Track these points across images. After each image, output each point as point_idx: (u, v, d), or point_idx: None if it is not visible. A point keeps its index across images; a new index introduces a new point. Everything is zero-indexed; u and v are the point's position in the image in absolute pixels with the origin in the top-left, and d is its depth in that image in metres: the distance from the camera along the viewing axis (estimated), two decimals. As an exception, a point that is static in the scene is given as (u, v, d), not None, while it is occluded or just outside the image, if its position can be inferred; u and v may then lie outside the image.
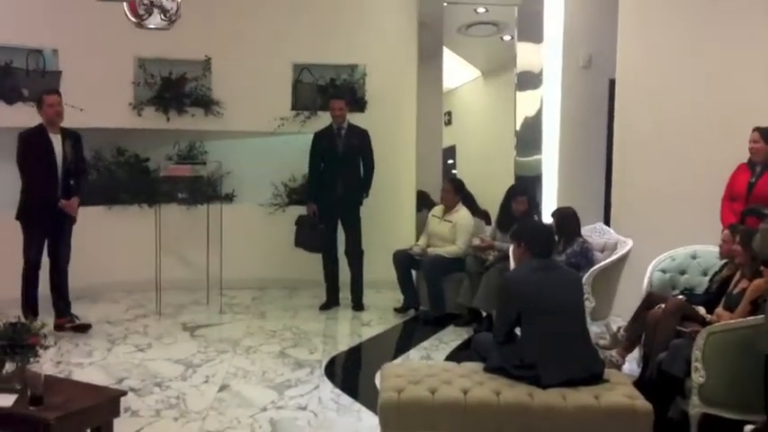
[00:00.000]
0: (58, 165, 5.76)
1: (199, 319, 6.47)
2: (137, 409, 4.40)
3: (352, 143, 6.83)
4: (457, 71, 8.65)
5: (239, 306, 6.95)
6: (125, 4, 5.09)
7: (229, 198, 7.61)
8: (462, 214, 6.77)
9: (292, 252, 6.93)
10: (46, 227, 5.81)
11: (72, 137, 5.87)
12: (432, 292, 6.59)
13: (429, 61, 7.70)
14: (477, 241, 6.52)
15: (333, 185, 6.78)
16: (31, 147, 5.73)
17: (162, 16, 5.44)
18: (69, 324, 5.95)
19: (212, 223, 6.88)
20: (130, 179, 7.43)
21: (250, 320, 6.49)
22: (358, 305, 6.89)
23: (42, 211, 5.74)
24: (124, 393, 3.77)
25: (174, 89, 7.47)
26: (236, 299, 7.12)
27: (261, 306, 7.00)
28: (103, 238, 7.06)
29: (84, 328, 5.96)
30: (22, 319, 3.67)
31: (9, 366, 3.51)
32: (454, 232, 6.70)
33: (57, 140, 5.77)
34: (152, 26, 5.41)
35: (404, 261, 6.79)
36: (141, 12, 5.30)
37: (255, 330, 6.18)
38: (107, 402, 3.56)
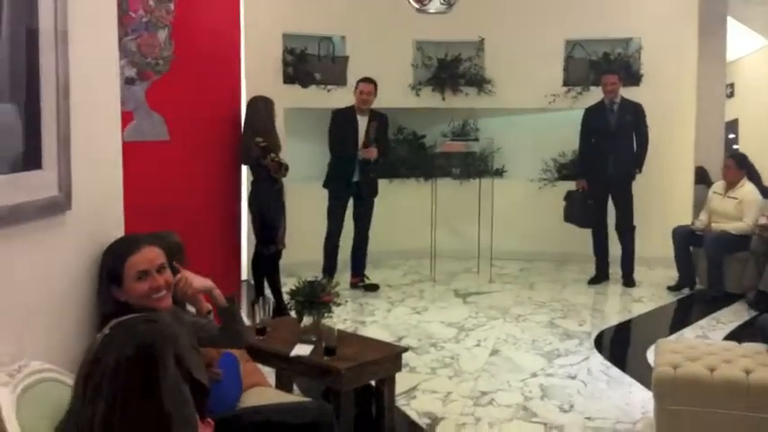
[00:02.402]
0: (359, 143, 6.35)
1: (470, 287, 6.76)
2: (414, 365, 4.71)
3: (625, 118, 6.70)
4: (741, 40, 8.11)
5: (508, 276, 7.16)
6: (408, -9, 5.43)
7: (500, 173, 7.81)
8: (749, 189, 6.42)
9: (561, 226, 6.99)
10: (345, 197, 6.47)
11: (378, 119, 6.44)
12: (712, 270, 6.32)
13: (711, 31, 7.33)
14: (763, 220, 6.11)
15: (604, 161, 6.70)
16: (338, 124, 6.41)
17: (441, 1, 5.72)
18: (361, 283, 6.59)
19: (483, 197, 7.13)
20: (409, 155, 7.91)
21: (519, 290, 6.66)
22: (628, 281, 6.78)
23: (342, 181, 6.40)
24: (405, 350, 4.03)
25: (450, 70, 7.80)
26: (505, 269, 7.32)
27: (529, 277, 7.14)
28: (385, 208, 7.50)
29: (373, 288, 6.57)
30: (320, 279, 4.04)
31: (306, 320, 3.86)
32: (740, 209, 6.37)
33: (363, 120, 6.38)
34: (432, 11, 5.72)
35: (684, 237, 6.58)
36: (423, -3, 5.62)
37: (524, 300, 6.34)
38: (391, 357, 3.81)
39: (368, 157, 6.34)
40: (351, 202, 6.57)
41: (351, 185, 6.43)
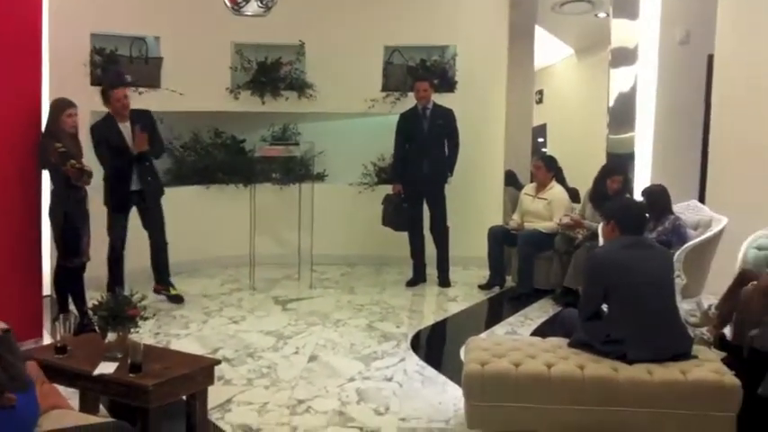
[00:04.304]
0: (130, 150, 5.90)
1: (290, 294, 6.67)
2: (230, 377, 4.58)
3: (436, 123, 6.85)
4: (550, 49, 8.53)
5: (329, 281, 7.13)
6: (224, -8, 5.29)
7: (321, 177, 7.81)
8: (557, 190, 6.78)
9: (381, 230, 7.03)
10: (128, 209, 6.04)
11: (140, 119, 5.98)
12: (523, 268, 6.60)
13: (520, 40, 7.67)
14: (566, 219, 6.48)
15: (418, 165, 6.83)
16: (101, 139, 5.86)
17: (259, 3, 5.59)
18: (165, 292, 6.28)
19: (304, 202, 7.06)
20: (227, 160, 7.70)
21: (339, 295, 6.65)
22: (444, 281, 6.95)
23: (123, 194, 5.96)
24: (218, 362, 3.89)
25: (270, 73, 7.67)
26: (326, 274, 7.30)
27: (350, 281, 7.16)
28: (201, 216, 7.37)
29: (178, 299, 6.28)
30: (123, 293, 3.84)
31: (111, 336, 3.66)
32: (550, 209, 6.70)
33: (125, 127, 5.92)
34: (249, 13, 5.58)
35: (498, 236, 6.82)
36: (239, -1, 5.47)
37: (344, 304, 6.33)
38: (202, 370, 3.67)
39: (142, 148, 5.91)
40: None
41: (131, 196, 6.01)
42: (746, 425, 3.54)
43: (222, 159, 7.70)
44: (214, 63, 7.54)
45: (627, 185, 6.46)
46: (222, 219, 7.44)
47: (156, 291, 6.25)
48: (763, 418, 3.90)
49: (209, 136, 7.80)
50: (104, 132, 5.89)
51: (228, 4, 5.73)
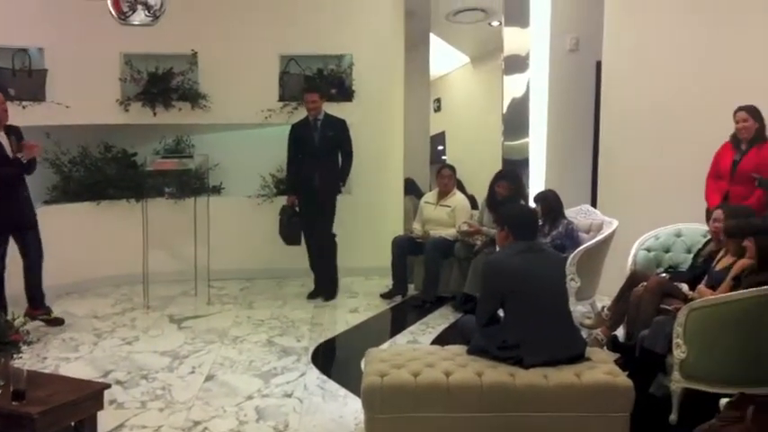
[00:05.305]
0: (18, 158, 5.53)
1: (186, 311, 6.45)
2: (122, 401, 4.40)
3: (327, 134, 6.77)
4: (446, 58, 8.60)
5: (227, 297, 6.94)
6: (109, 1, 5.08)
7: (217, 190, 7.61)
8: (459, 198, 6.87)
9: (280, 242, 6.91)
10: (7, 226, 5.64)
11: (15, 132, 5.64)
12: (429, 275, 6.61)
13: (416, 49, 7.71)
14: (464, 227, 6.54)
15: (309, 176, 6.71)
16: None
17: (146, 12, 5.42)
18: (43, 316, 5.89)
19: (200, 216, 6.86)
20: (118, 175, 7.41)
21: (238, 311, 6.48)
22: (330, 295, 6.82)
23: (3, 211, 5.56)
24: (108, 386, 3.75)
25: (161, 84, 7.43)
26: (225, 290, 7.11)
27: (249, 296, 6.98)
28: (92, 233, 7.08)
29: (58, 322, 5.92)
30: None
31: None
32: (453, 216, 6.76)
33: (3, 138, 5.57)
34: (136, 22, 5.39)
35: (403, 245, 6.82)
36: (125, 8, 5.28)
37: (243, 320, 6.17)
38: (91, 395, 3.54)
39: (33, 154, 5.56)
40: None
41: (12, 213, 5.60)
42: (640, 424, 3.64)
43: (113, 174, 7.39)
44: (102, 74, 7.26)
45: (520, 191, 6.58)
46: (114, 236, 7.15)
47: (32, 316, 5.75)
48: (656, 417, 4.03)
49: (99, 150, 7.50)
50: None
51: (114, 13, 5.54)
